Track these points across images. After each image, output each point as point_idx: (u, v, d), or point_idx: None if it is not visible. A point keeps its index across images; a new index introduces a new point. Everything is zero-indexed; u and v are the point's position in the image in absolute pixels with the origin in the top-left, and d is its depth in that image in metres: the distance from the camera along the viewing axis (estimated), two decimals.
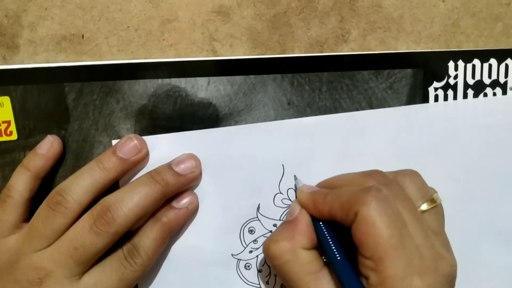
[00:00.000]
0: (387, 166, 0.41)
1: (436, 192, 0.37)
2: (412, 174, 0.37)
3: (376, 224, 0.31)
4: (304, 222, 0.36)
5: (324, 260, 0.35)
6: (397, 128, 0.43)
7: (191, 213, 0.40)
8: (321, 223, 0.35)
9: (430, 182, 0.38)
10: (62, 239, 0.36)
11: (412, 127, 0.43)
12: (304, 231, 0.35)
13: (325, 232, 0.35)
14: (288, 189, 0.41)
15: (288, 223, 0.36)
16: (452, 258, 0.33)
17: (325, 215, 0.34)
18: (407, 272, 0.30)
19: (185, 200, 0.39)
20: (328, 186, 0.38)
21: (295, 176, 0.41)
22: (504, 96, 0.44)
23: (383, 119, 0.42)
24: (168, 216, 0.38)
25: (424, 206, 0.35)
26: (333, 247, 0.34)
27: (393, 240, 0.31)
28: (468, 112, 0.43)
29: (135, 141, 0.39)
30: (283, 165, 0.41)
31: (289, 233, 0.35)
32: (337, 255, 0.34)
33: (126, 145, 0.39)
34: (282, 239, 0.35)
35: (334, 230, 0.35)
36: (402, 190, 0.35)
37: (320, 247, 0.35)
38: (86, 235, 0.36)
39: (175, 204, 0.39)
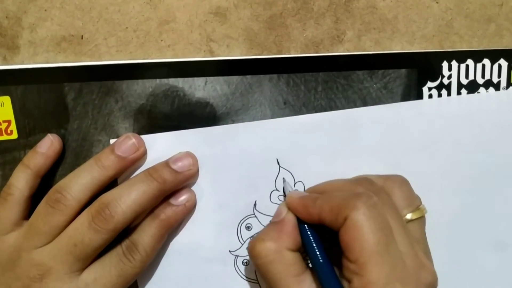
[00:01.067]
0: (381, 162, 0.42)
1: (421, 202, 0.37)
2: (401, 182, 0.37)
3: (364, 229, 0.31)
4: (291, 224, 0.35)
5: (308, 263, 0.35)
6: (391, 124, 0.43)
7: (189, 210, 0.40)
8: (306, 225, 0.35)
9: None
10: (62, 236, 0.37)
11: (406, 123, 0.43)
12: (290, 232, 0.35)
13: (310, 235, 0.35)
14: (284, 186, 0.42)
15: (275, 223, 0.36)
16: (433, 267, 0.34)
17: (315, 218, 0.34)
18: (390, 278, 0.30)
19: (183, 197, 0.40)
20: (316, 192, 0.38)
21: (283, 178, 0.41)
22: (498, 92, 0.44)
23: (377, 115, 0.43)
24: (166, 213, 0.39)
25: (409, 216, 0.36)
26: (317, 250, 0.34)
27: (379, 246, 0.31)
28: (461, 108, 0.43)
29: (133, 140, 0.39)
30: (278, 162, 0.41)
31: (276, 234, 0.35)
32: (320, 258, 0.34)
33: (124, 143, 0.39)
34: (269, 238, 0.35)
35: (319, 233, 0.35)
36: (390, 198, 0.35)
37: (304, 249, 0.35)
38: (85, 232, 0.36)
39: (173, 201, 0.39)
